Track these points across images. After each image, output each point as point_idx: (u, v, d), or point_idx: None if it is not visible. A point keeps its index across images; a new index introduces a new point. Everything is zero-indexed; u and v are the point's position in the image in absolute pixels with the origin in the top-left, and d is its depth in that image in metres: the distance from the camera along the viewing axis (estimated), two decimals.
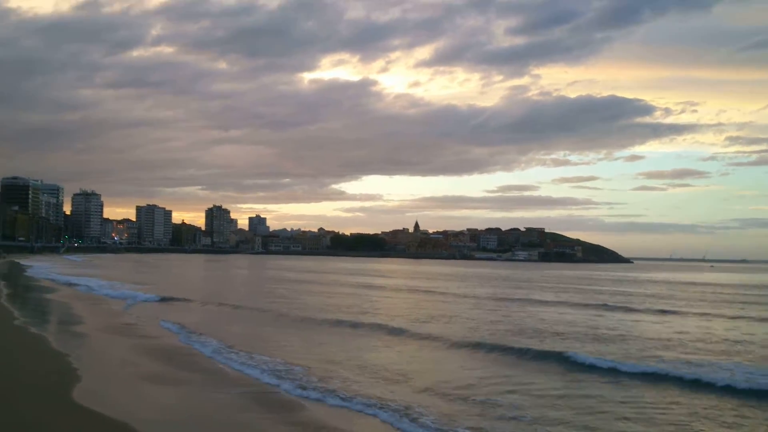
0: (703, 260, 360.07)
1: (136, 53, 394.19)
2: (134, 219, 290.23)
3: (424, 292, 55.90)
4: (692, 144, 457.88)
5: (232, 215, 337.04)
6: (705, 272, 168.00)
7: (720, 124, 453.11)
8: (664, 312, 40.44)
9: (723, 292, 67.29)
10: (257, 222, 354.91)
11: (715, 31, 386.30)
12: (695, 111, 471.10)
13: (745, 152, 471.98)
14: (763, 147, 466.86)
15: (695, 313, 40.01)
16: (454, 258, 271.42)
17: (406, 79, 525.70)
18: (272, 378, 17.04)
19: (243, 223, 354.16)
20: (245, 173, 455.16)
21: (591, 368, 19.35)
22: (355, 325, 28.93)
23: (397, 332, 26.74)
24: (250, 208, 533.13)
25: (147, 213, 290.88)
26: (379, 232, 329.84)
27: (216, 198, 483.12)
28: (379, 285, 66.06)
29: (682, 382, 17.65)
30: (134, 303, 36.99)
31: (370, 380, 17.28)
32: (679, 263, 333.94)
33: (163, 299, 39.11)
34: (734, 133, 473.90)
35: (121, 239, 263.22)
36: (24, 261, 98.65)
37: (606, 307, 43.10)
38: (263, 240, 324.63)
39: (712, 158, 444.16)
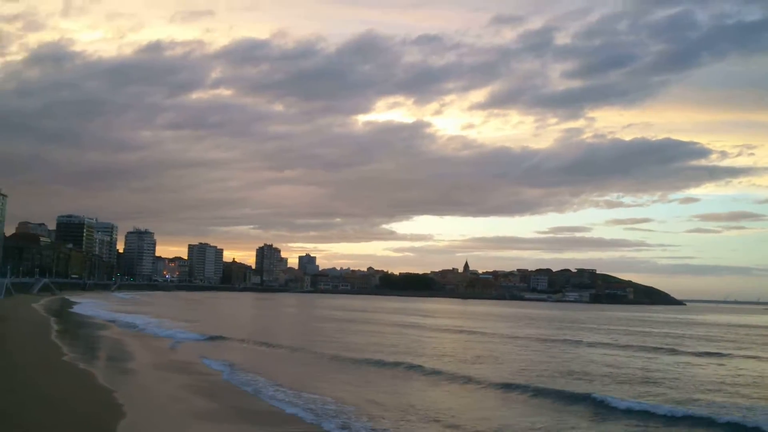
0: (758, 303, 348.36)
1: (195, 95, 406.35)
2: (186, 257, 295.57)
3: (469, 333, 55.54)
4: (748, 186, 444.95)
5: (283, 254, 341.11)
6: (760, 315, 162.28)
7: None
8: (713, 354, 39.48)
9: None
10: (307, 261, 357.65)
11: None
12: (752, 154, 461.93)
13: None
14: None
15: (745, 356, 38.94)
16: (504, 298, 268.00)
17: (459, 121, 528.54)
18: (312, 415, 17.53)
19: (293, 262, 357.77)
20: (297, 213, 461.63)
21: (626, 412, 19.24)
22: (394, 365, 28.90)
23: (435, 373, 26.66)
24: (301, 248, 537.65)
25: (198, 251, 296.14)
26: (429, 272, 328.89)
27: (267, 237, 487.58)
28: (425, 325, 65.83)
29: (715, 424, 17.55)
30: (181, 341, 37.72)
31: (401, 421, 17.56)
32: (733, 305, 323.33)
33: (210, 338, 39.74)
34: None
35: (172, 277, 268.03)
36: (74, 298, 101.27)
37: (656, 349, 42.21)
38: (312, 279, 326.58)
39: None
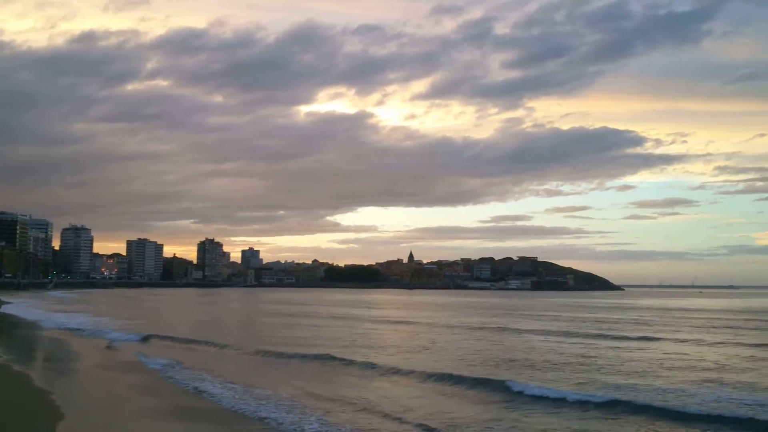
0: (692, 286, 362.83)
1: (130, 87, 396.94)
2: (124, 253, 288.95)
3: (411, 323, 56.06)
4: (682, 174, 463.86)
5: (225, 248, 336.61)
6: (693, 298, 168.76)
7: (709, 154, 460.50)
8: (648, 338, 41.01)
9: (710, 317, 68.11)
10: (250, 255, 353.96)
11: (705, 65, 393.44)
12: (685, 142, 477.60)
13: (732, 181, 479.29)
14: (749, 176, 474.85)
15: (677, 339, 40.58)
16: (448, 288, 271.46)
17: (402, 111, 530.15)
18: (252, 410, 17.77)
19: (236, 256, 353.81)
20: (239, 206, 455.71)
21: (539, 399, 19.87)
22: (337, 360, 28.99)
23: (371, 366, 26.79)
24: (244, 241, 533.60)
25: (137, 247, 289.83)
26: (374, 263, 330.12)
27: (209, 231, 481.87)
28: (370, 317, 66.24)
29: (634, 407, 18.41)
30: (119, 340, 37.07)
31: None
32: (669, 290, 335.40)
33: (150, 336, 38.96)
34: (722, 163, 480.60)
35: (111, 274, 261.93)
36: (7, 298, 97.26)
37: (591, 335, 43.56)
38: (256, 273, 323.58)
39: (701, 187, 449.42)
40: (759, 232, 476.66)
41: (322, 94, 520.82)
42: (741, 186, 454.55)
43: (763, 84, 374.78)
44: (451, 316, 68.18)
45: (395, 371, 25.51)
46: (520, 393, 20.43)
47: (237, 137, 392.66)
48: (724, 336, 44.13)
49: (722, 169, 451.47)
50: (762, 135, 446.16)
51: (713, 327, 53.64)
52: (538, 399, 19.73)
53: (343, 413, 17.68)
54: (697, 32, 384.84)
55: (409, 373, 25.04)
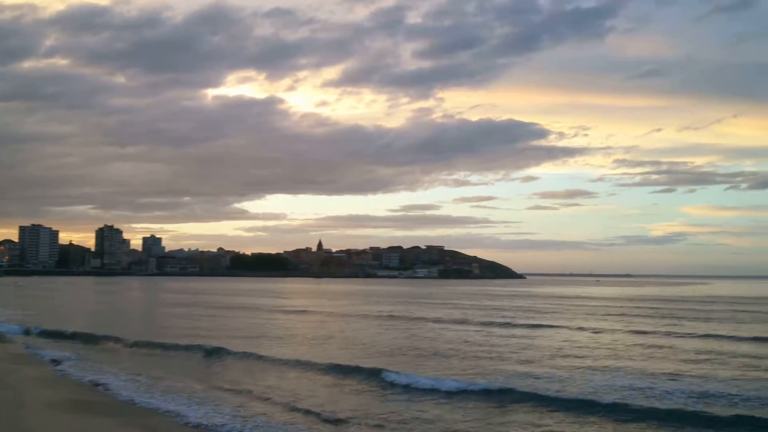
0: (591, 275, 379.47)
1: (27, 64, 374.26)
2: (17, 240, 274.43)
3: (314, 313, 55.85)
4: (583, 166, 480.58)
5: (126, 235, 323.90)
6: (591, 286, 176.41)
7: (609, 147, 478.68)
8: (542, 326, 42.41)
9: (605, 305, 71.21)
10: (152, 242, 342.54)
11: (607, 60, 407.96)
12: (587, 135, 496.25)
13: (630, 174, 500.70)
14: (646, 169, 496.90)
15: (572, 327, 42.17)
16: (357, 276, 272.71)
17: (313, 98, 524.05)
18: (146, 401, 17.65)
19: (137, 243, 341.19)
20: (141, 191, 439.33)
21: (409, 388, 20.35)
22: (239, 353, 28.40)
23: (273, 359, 26.63)
24: (146, 228, 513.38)
25: (31, 233, 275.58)
26: (282, 252, 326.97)
27: (108, 218, 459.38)
28: (277, 306, 65.48)
29: (517, 395, 19.05)
30: (7, 333, 34.99)
31: None
32: (569, 278, 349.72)
33: (43, 330, 37.07)
34: (621, 156, 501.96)
35: (2, 261, 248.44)
36: None
37: (488, 323, 44.69)
38: (158, 261, 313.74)
39: (601, 179, 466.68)
40: (653, 224, 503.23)
41: (231, 77, 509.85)
42: (638, 179, 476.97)
43: (661, 80, 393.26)
44: (354, 305, 68.60)
45: (283, 362, 25.60)
46: (391, 383, 20.82)
47: (141, 120, 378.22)
48: (616, 323, 46.17)
49: (621, 162, 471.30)
50: (659, 130, 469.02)
51: (608, 314, 56.12)
52: (409, 389, 20.12)
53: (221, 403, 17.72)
54: (601, 28, 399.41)
55: (296, 363, 25.13)
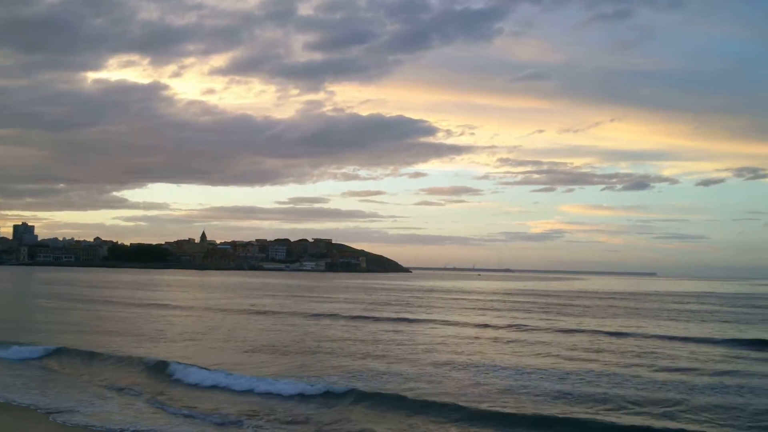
0: (473, 269, 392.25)
1: None
2: None
3: (190, 309, 54.22)
4: (469, 164, 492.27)
5: None
6: (472, 280, 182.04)
7: (493, 146, 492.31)
8: (415, 320, 43.14)
9: (482, 299, 73.46)
10: (23, 230, 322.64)
11: (494, 62, 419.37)
12: (473, 134, 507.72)
13: (512, 173, 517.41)
14: (527, 168, 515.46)
15: (441, 320, 43.09)
16: (242, 269, 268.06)
17: (199, 86, 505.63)
18: None
19: (7, 231, 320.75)
20: (12, 177, 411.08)
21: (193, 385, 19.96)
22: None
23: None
24: (17, 216, 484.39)
25: None
26: (164, 243, 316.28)
27: None
28: (153, 300, 62.93)
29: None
30: None
31: None
32: (452, 272, 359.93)
33: None
34: (505, 155, 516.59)
35: None
36: None
37: (360, 317, 44.97)
38: (30, 250, 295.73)
39: (485, 177, 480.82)
40: (533, 221, 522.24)
41: (113, 61, 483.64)
42: (520, 177, 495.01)
43: (544, 83, 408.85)
44: (231, 299, 67.06)
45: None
46: (176, 380, 20.41)
47: (13, 102, 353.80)
48: (493, 317, 47.69)
49: (504, 161, 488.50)
50: (540, 131, 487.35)
51: (486, 309, 57.76)
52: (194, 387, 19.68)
53: None
54: (490, 30, 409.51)
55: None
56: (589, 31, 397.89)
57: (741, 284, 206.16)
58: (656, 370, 23.40)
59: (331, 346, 28.84)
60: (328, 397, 18.04)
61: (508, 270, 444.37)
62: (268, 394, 18.44)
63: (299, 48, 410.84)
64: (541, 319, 45.92)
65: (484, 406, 17.16)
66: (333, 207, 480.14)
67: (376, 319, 43.59)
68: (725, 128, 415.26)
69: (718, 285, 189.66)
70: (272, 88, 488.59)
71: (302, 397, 18.08)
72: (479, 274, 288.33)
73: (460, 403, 17.31)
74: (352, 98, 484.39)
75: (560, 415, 16.12)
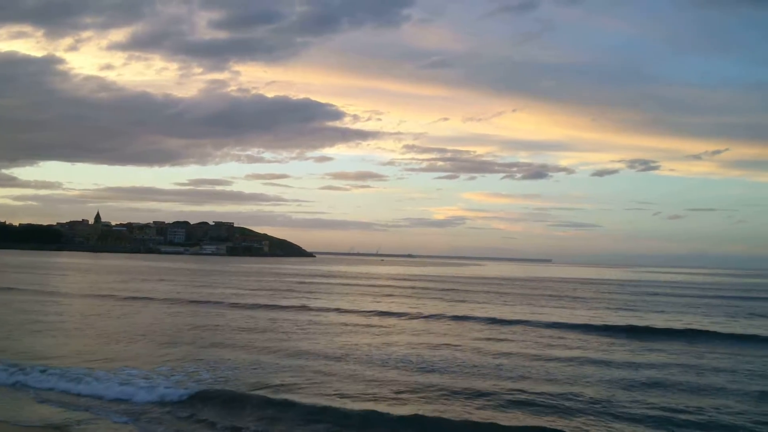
0: (377, 254, 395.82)
1: None
2: None
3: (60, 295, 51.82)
4: (375, 149, 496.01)
5: None
6: (375, 265, 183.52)
7: (399, 133, 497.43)
8: (301, 308, 42.87)
9: (380, 284, 74.03)
10: None
11: (402, 48, 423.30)
12: (380, 120, 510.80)
13: (417, 159, 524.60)
14: (432, 155, 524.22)
15: (333, 308, 43.03)
16: (139, 251, 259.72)
17: (97, 61, 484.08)
18: None
19: None
20: None
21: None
22: None
23: None
24: None
25: None
26: (55, 224, 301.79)
27: None
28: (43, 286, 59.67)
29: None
30: None
31: None
32: (356, 257, 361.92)
33: None
34: (410, 142, 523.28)
35: None
36: None
37: (252, 306, 44.32)
38: None
39: (391, 163, 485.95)
40: (437, 207, 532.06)
41: (2, 32, 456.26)
42: (424, 164, 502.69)
43: (450, 72, 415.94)
44: (114, 282, 64.51)
45: None
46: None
47: None
48: (387, 303, 48.07)
49: (410, 148, 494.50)
50: (446, 119, 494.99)
51: (381, 295, 57.79)
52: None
53: None
54: (398, 16, 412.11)
55: None
56: (494, 22, 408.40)
57: (630, 271, 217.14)
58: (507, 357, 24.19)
59: (217, 337, 28.04)
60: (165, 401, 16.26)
61: (410, 255, 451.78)
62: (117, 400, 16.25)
63: (203, 25, 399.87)
64: (431, 305, 46.68)
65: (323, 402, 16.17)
66: (236, 190, 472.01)
67: (272, 307, 42.63)
68: (620, 121, 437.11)
69: (608, 271, 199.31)
70: (174, 65, 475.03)
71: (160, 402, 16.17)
72: (382, 260, 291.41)
73: (297, 400, 16.27)
74: (257, 79, 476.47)
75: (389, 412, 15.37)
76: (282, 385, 18.09)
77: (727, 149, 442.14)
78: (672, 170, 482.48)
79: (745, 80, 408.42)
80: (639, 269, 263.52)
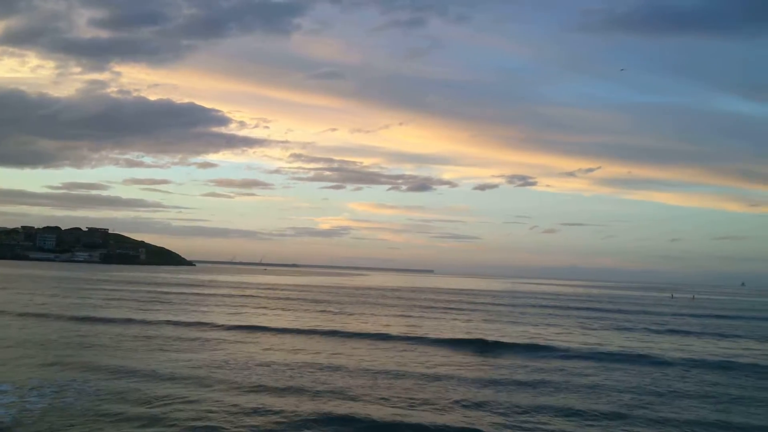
0: (260, 264, 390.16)
1: None
2: None
3: None
4: (261, 157, 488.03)
5: None
6: (258, 275, 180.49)
7: (287, 141, 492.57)
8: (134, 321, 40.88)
9: (255, 295, 72.45)
10: None
11: (292, 57, 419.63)
12: (267, 127, 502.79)
13: (304, 168, 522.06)
14: (319, 165, 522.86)
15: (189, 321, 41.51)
16: (5, 258, 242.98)
17: None
18: None
19: None
20: None
21: None
22: None
23: None
24: None
25: None
26: None
27: None
28: None
29: None
30: None
31: None
32: (239, 266, 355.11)
33: None
34: (298, 151, 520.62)
35: None
36: None
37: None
38: None
39: (277, 172, 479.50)
40: (322, 217, 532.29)
41: None
42: (311, 174, 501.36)
43: (339, 83, 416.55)
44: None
45: None
46: None
47: None
48: (241, 316, 46.94)
49: (297, 157, 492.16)
50: (334, 129, 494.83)
51: (247, 306, 56.83)
52: None
53: None
54: (289, 25, 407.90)
55: None
56: (384, 36, 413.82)
57: (507, 282, 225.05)
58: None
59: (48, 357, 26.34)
60: None
61: (294, 265, 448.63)
62: None
63: (83, 23, 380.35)
64: (286, 317, 46.21)
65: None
66: (113, 195, 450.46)
67: (100, 321, 40.58)
68: (501, 138, 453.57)
69: (486, 282, 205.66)
70: (51, 63, 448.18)
71: None
72: (265, 269, 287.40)
73: None
74: (140, 81, 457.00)
75: None
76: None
77: (599, 167, 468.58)
78: (548, 186, 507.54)
79: (617, 102, 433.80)
80: (516, 280, 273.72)
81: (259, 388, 20.58)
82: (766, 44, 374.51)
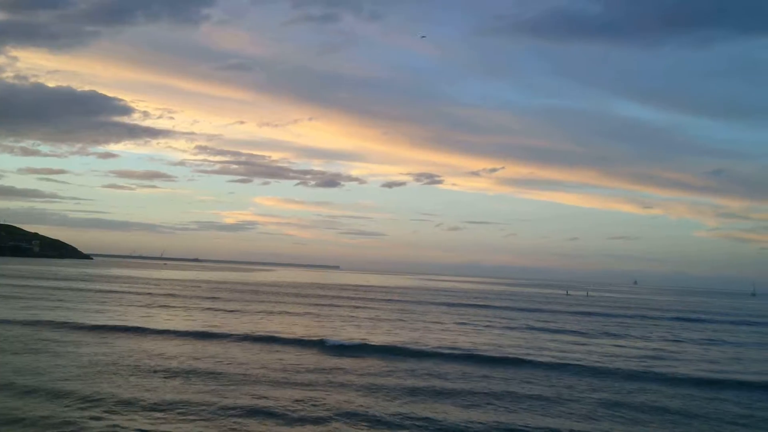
0: (161, 258, 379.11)
1: None
2: None
3: None
4: (165, 148, 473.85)
5: None
6: (156, 269, 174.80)
7: (192, 133, 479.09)
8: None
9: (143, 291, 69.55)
10: None
11: (199, 48, 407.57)
12: (172, 118, 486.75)
13: (210, 161, 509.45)
14: (225, 158, 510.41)
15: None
16: None
17: None
18: None
19: None
20: None
21: None
22: None
23: None
24: None
25: None
26: None
27: None
28: None
29: None
30: None
31: None
32: (138, 260, 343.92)
33: None
34: (203, 143, 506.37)
35: None
36: None
37: None
38: None
39: (181, 164, 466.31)
40: (227, 211, 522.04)
41: None
42: (217, 167, 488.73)
43: (248, 75, 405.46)
44: None
45: None
46: None
47: None
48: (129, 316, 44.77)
49: (202, 149, 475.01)
50: (242, 122, 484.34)
51: (133, 305, 54.35)
52: None
53: None
54: (197, 15, 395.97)
55: None
56: (296, 30, 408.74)
57: (411, 278, 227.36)
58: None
59: None
60: None
61: (197, 260, 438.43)
62: None
63: None
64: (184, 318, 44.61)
65: None
66: (6, 184, 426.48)
67: None
68: (409, 136, 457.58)
69: (391, 279, 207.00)
70: None
71: None
72: (165, 264, 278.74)
73: None
74: (38, 67, 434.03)
75: None
76: None
77: (503, 167, 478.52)
78: (454, 185, 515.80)
79: (521, 104, 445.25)
80: (421, 277, 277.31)
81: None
82: (663, 53, 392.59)
